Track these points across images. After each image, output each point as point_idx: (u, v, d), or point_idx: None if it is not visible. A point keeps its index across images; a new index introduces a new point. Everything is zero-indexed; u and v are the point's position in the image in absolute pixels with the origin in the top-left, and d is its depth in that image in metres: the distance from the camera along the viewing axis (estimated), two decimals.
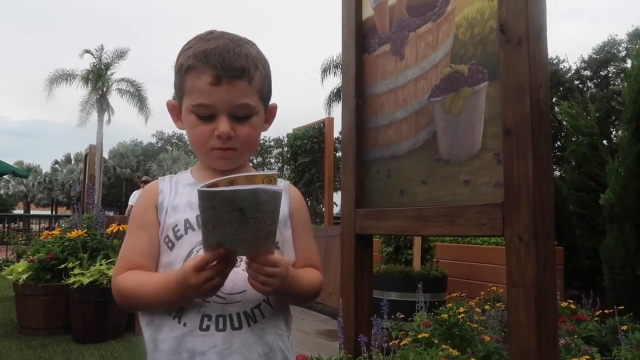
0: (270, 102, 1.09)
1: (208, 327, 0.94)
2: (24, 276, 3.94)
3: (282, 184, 1.11)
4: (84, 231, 4.15)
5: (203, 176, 1.06)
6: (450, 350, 2.31)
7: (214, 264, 0.85)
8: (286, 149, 11.22)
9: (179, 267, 0.92)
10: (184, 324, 0.94)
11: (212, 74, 0.95)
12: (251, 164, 1.17)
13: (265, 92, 1.03)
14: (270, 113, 1.09)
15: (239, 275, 0.94)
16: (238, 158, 1.04)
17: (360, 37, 2.38)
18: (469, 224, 1.71)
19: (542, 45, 1.61)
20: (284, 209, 1.06)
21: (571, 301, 3.41)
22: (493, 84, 1.73)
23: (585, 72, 27.24)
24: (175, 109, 1.07)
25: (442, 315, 2.95)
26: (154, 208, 1.03)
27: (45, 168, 45.55)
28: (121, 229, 4.11)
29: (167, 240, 0.99)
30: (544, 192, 1.54)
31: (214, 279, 0.85)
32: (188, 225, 0.99)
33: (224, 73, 0.94)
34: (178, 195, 1.04)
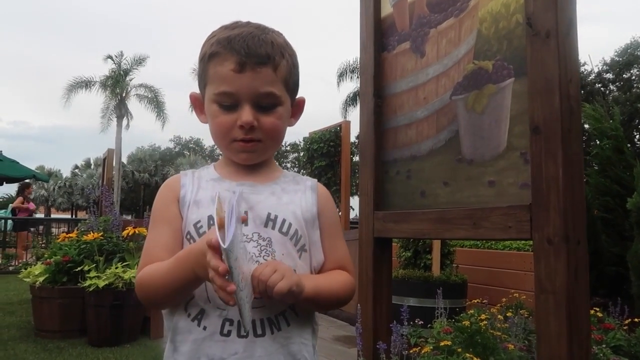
0: (298, 96, 1.02)
1: (229, 332, 0.89)
2: (41, 279, 3.96)
3: (310, 182, 1.05)
4: (100, 234, 4.15)
5: (227, 172, 1.01)
6: (473, 358, 2.22)
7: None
8: (302, 153, 11.18)
9: None
10: (204, 328, 0.89)
11: (235, 60, 0.90)
12: None
13: (292, 82, 0.97)
14: (297, 107, 1.03)
15: None
16: (262, 151, 0.98)
17: (378, 35, 2.32)
18: (494, 227, 1.63)
19: (571, 39, 1.53)
20: (312, 209, 1.00)
21: (597, 309, 3.28)
22: (519, 80, 1.65)
23: (608, 74, 26.71)
24: (198, 102, 1.02)
25: (463, 322, 2.86)
26: (176, 202, 0.98)
27: (66, 173, 46.39)
28: (137, 231, 4.10)
29: (188, 236, 0.94)
30: (575, 193, 1.45)
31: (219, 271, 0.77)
32: (212, 222, 0.93)
33: (248, 59, 0.89)
34: (201, 190, 0.99)
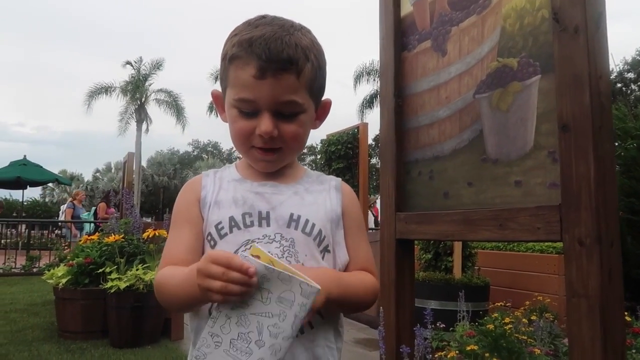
0: (324, 98, 0.99)
1: None
2: (63, 280, 4.01)
3: (334, 182, 1.03)
4: (121, 236, 4.19)
5: (249, 173, 0.99)
6: None
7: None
8: (320, 155, 11.17)
9: None
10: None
11: (255, 65, 0.86)
12: None
13: (316, 86, 0.93)
14: (322, 109, 0.99)
15: None
16: (282, 159, 0.96)
17: (398, 34, 2.29)
18: (521, 228, 1.58)
19: (601, 34, 1.47)
20: (336, 209, 0.97)
21: (626, 313, 3.19)
22: (546, 77, 1.60)
23: (629, 74, 26.14)
24: (219, 100, 1.00)
25: (487, 326, 2.80)
26: (197, 203, 0.96)
27: (87, 176, 47.16)
28: (157, 234, 4.13)
29: (209, 238, 0.92)
30: (607, 192, 1.40)
31: (220, 292, 0.74)
32: (233, 224, 0.91)
33: (269, 65, 0.85)
34: (222, 190, 0.97)
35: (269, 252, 0.77)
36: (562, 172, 1.47)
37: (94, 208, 11.77)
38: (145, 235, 4.23)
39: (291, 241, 0.91)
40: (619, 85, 25.62)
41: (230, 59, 0.90)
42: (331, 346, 0.94)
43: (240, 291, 0.73)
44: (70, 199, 11.55)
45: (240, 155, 1.01)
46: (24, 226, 12.51)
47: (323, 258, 0.93)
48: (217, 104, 1.01)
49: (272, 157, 0.93)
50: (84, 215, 11.59)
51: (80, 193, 11.36)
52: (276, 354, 0.74)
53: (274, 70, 0.86)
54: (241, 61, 0.88)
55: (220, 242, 0.91)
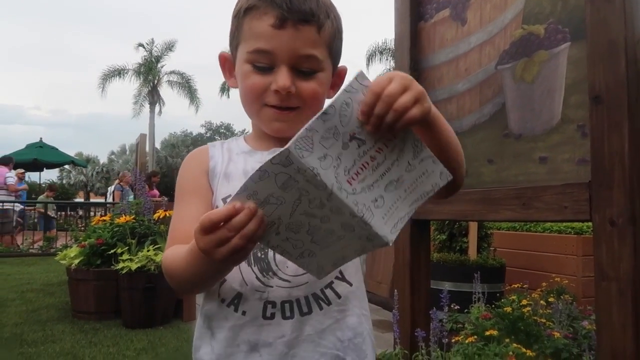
0: (340, 65, 0.90)
1: (273, 315, 0.79)
2: (76, 261, 4.01)
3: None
4: (132, 217, 4.16)
5: (260, 144, 0.90)
6: (520, 347, 2.09)
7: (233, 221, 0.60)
8: None
9: None
10: (243, 312, 0.80)
11: (275, 14, 0.78)
12: None
13: (335, 48, 0.85)
14: (338, 77, 0.90)
15: None
16: (298, 122, 0.83)
17: (415, 3, 2.16)
18: (547, 207, 1.48)
19: None
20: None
21: None
22: (576, 45, 1.48)
23: None
24: (228, 62, 0.91)
25: (504, 309, 2.72)
26: (205, 174, 0.88)
27: (103, 159, 47.63)
28: (168, 214, 4.10)
29: None
30: None
31: (231, 242, 0.60)
32: None
33: (290, 14, 0.77)
34: (232, 163, 0.88)
35: None
36: (593, 147, 1.37)
37: None
38: (156, 216, 4.20)
39: None
40: None
41: (245, 10, 0.82)
42: (366, 314, 0.87)
43: (254, 226, 0.60)
44: (117, 180, 11.46)
45: (252, 120, 0.92)
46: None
47: None
48: (225, 67, 0.92)
49: (289, 116, 0.83)
50: (131, 197, 11.61)
51: (127, 175, 11.26)
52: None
53: (295, 20, 0.78)
54: (259, 11, 0.80)
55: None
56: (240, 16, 0.83)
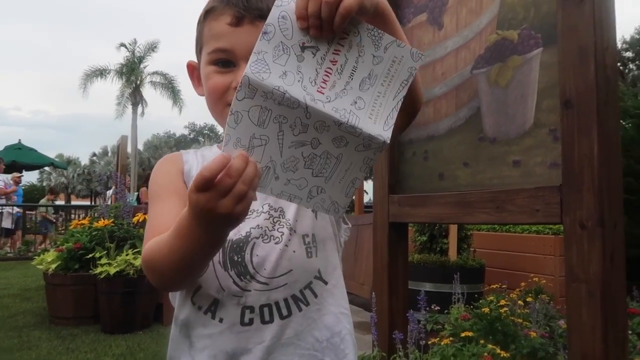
0: None
1: (251, 321, 0.78)
2: (53, 266, 3.93)
3: None
4: (110, 221, 4.10)
5: None
6: (495, 348, 2.11)
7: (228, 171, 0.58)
8: None
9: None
10: (220, 320, 0.78)
11: (232, 13, 0.80)
12: None
13: None
14: None
15: (282, 254, 0.79)
16: None
17: (393, 7, 2.17)
18: (520, 210, 1.51)
19: (609, 3, 1.38)
20: None
21: None
22: (548, 50, 1.51)
23: (627, 53, 25.90)
24: (195, 71, 0.91)
25: (482, 309, 2.75)
26: (181, 175, 0.87)
27: (84, 160, 46.95)
28: (147, 218, 4.05)
29: None
30: (611, 172, 1.32)
31: (234, 189, 0.58)
32: None
33: (247, 12, 0.79)
34: None
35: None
36: (564, 151, 1.39)
37: (136, 193, 11.52)
38: (135, 219, 4.15)
39: (280, 211, 0.84)
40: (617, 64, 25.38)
41: (205, 13, 0.84)
42: (345, 312, 0.86)
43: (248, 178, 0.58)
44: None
45: (218, 123, 0.92)
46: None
47: (316, 217, 0.85)
48: (193, 75, 0.93)
49: None
50: (130, 199, 11.41)
51: (126, 178, 11.20)
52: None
53: (251, 17, 0.80)
54: (216, 12, 0.82)
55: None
56: (201, 21, 0.85)
